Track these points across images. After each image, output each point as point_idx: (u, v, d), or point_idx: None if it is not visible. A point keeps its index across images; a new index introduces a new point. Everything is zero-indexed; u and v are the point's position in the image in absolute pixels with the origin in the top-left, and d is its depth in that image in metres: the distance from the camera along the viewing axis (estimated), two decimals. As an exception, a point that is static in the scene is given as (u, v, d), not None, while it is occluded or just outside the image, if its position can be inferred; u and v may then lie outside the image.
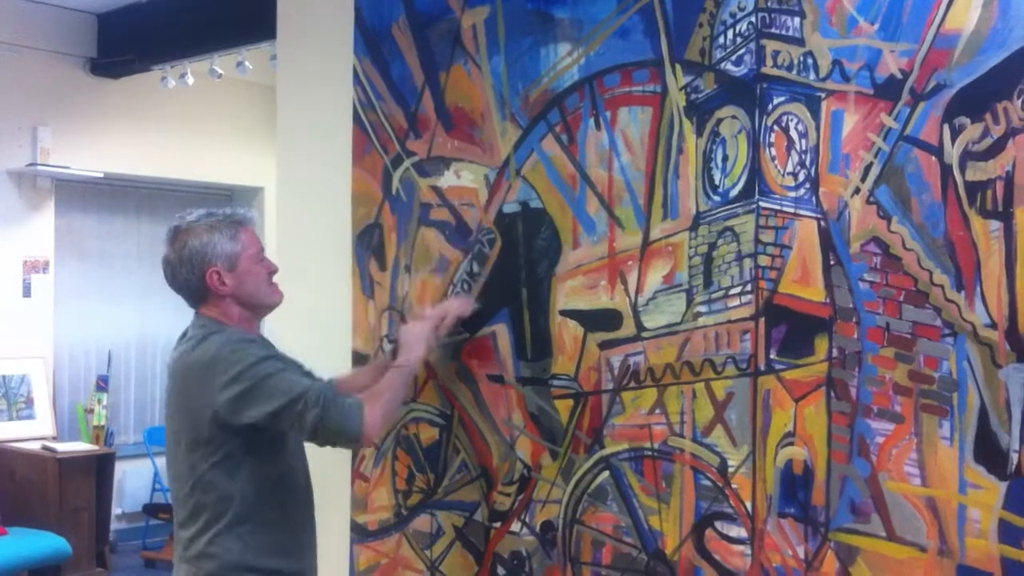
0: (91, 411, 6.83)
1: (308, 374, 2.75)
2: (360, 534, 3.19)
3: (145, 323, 7.43)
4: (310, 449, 3.31)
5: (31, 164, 6.60)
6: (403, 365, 2.72)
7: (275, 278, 2.79)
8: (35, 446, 6.36)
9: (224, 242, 2.66)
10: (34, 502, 6.16)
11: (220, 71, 6.44)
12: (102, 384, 6.91)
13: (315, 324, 3.34)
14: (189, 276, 2.66)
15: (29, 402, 6.60)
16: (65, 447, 6.35)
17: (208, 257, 2.65)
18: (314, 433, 2.55)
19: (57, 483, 6.14)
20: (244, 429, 2.56)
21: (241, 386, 2.52)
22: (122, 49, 6.70)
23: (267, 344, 2.71)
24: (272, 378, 2.54)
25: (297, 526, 2.73)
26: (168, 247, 2.71)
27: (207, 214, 2.71)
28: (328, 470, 3.28)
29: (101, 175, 6.89)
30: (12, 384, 6.56)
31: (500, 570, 2.84)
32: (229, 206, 2.74)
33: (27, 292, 6.70)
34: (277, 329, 3.46)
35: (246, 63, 6.29)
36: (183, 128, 7.31)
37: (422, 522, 3.03)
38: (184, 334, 2.76)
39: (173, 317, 7.45)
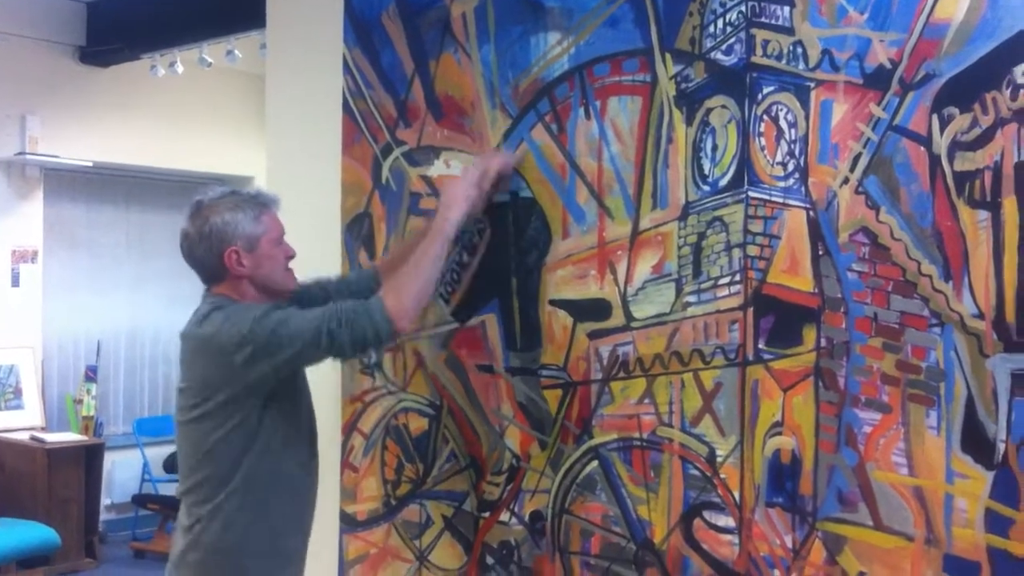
0: (80, 401, 6.82)
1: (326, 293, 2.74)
2: (349, 524, 3.19)
3: (135, 313, 7.42)
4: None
5: (20, 153, 6.57)
6: (439, 229, 2.63)
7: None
8: (24, 436, 6.35)
9: (247, 222, 2.60)
10: (23, 493, 6.15)
11: (210, 60, 6.42)
12: (91, 374, 6.90)
13: (304, 314, 3.33)
14: (207, 253, 2.60)
15: (18, 392, 6.59)
16: (54, 437, 6.34)
17: (229, 236, 2.58)
18: (355, 349, 2.52)
19: (46, 474, 6.13)
20: (259, 394, 2.53)
21: (254, 344, 2.47)
22: (111, 38, 6.67)
23: (272, 306, 2.61)
24: (283, 326, 2.49)
25: (298, 504, 2.72)
26: (188, 222, 2.64)
27: (232, 192, 2.66)
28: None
29: (90, 164, 6.87)
30: (1, 374, 6.54)
31: (489, 560, 2.84)
32: (254, 188, 2.70)
33: (16, 282, 6.68)
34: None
35: (236, 52, 6.27)
36: (172, 117, 7.29)
37: (411, 512, 3.03)
38: (196, 312, 2.68)
39: (163, 307, 7.45)
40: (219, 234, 2.59)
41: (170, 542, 2.86)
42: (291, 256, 2.72)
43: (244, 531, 2.59)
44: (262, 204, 2.65)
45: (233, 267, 2.60)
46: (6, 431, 6.42)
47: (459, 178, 2.75)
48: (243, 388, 2.53)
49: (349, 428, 3.18)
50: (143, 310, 7.42)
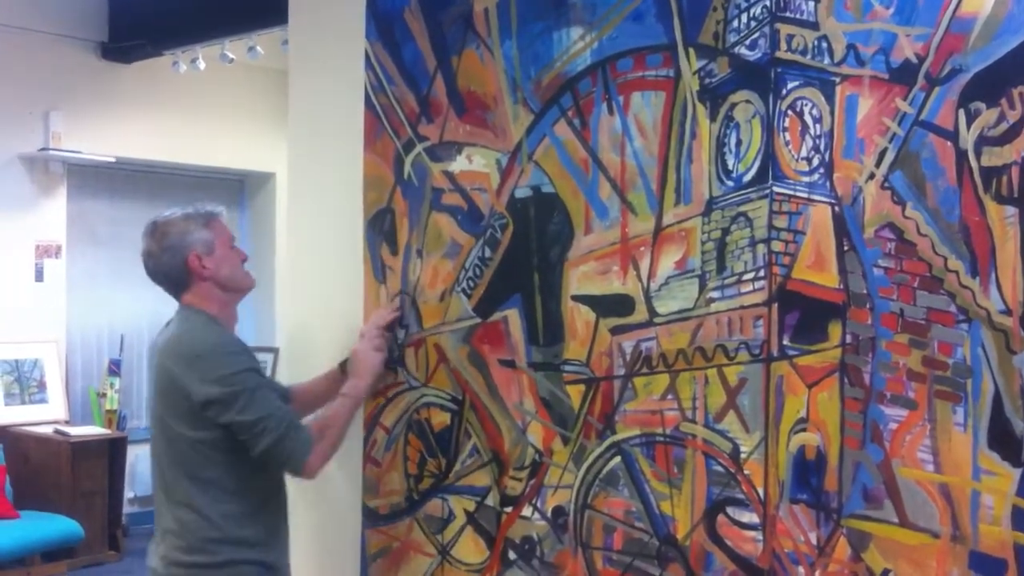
0: (104, 395, 6.85)
1: (281, 396, 2.94)
2: (371, 518, 3.19)
3: (157, 308, 7.39)
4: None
5: (43, 149, 6.61)
6: (351, 395, 2.95)
7: (251, 264, 3.05)
8: (48, 430, 6.39)
9: (200, 230, 2.88)
10: (47, 486, 6.19)
11: (232, 56, 6.44)
12: (114, 368, 6.93)
13: (327, 309, 3.35)
14: (171, 262, 2.86)
15: (42, 386, 6.63)
16: (78, 431, 6.38)
17: (188, 243, 2.85)
18: (262, 454, 2.76)
19: (70, 467, 6.16)
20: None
21: (223, 389, 2.72)
22: (134, 34, 6.70)
23: (252, 356, 2.87)
24: (253, 392, 2.75)
25: (270, 516, 2.92)
26: (148, 239, 2.90)
27: (180, 210, 2.93)
28: (340, 454, 3.29)
29: (113, 160, 6.90)
30: (25, 368, 6.58)
31: (511, 555, 2.85)
32: (199, 204, 3.02)
33: (39, 276, 6.72)
34: (290, 314, 3.48)
35: (257, 48, 6.29)
36: (195, 113, 7.32)
37: (433, 506, 3.03)
38: (168, 324, 2.95)
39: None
40: (179, 243, 2.86)
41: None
42: (245, 259, 3.02)
43: (228, 539, 2.81)
44: (208, 214, 2.93)
45: (198, 270, 2.86)
46: (30, 424, 6.46)
47: (363, 343, 3.03)
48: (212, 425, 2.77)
49: (371, 422, 3.19)
50: (165, 304, 7.40)
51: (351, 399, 2.95)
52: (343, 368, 3.10)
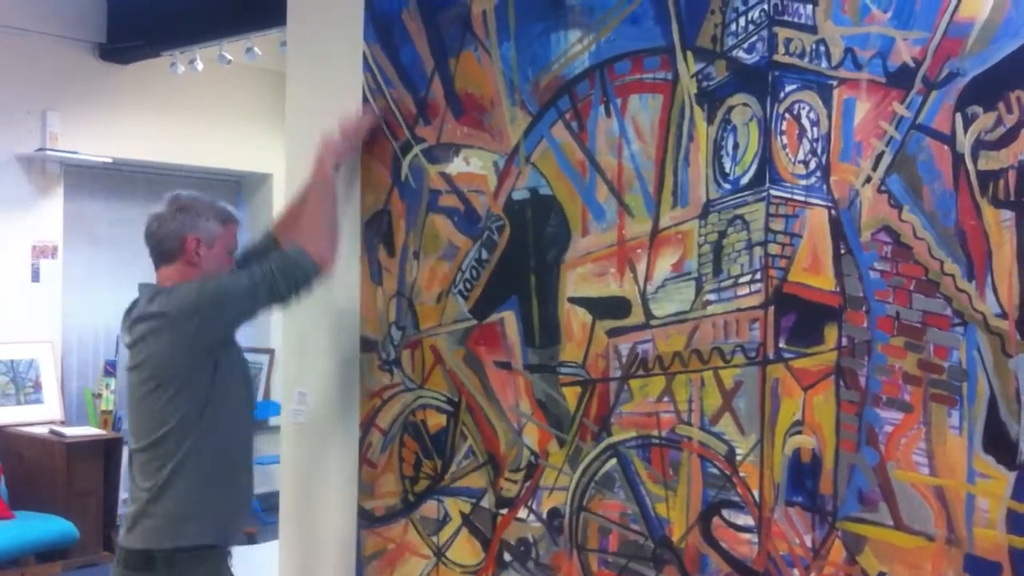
0: (99, 396, 6.84)
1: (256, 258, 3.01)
2: (367, 520, 3.19)
3: (153, 309, 7.44)
4: (315, 435, 3.33)
5: (40, 149, 6.60)
6: (322, 175, 3.02)
7: None
8: (43, 430, 6.37)
9: (213, 222, 2.91)
10: (42, 486, 6.18)
11: (229, 57, 6.43)
12: (110, 369, 6.92)
13: (324, 310, 3.34)
14: (173, 232, 2.89)
15: (37, 386, 6.62)
16: (73, 431, 6.36)
17: (196, 225, 2.89)
18: (292, 294, 2.85)
19: (65, 467, 6.15)
20: (209, 364, 2.80)
21: (203, 309, 2.77)
22: (131, 35, 6.69)
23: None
24: (225, 289, 2.81)
25: (244, 472, 2.96)
26: (164, 205, 2.93)
27: (208, 197, 2.98)
28: (335, 455, 3.29)
29: (110, 160, 6.89)
30: (20, 368, 6.57)
31: (507, 556, 2.85)
32: (226, 203, 3.06)
33: (36, 277, 6.71)
34: (286, 315, 3.47)
35: (255, 49, 6.28)
36: (192, 114, 7.31)
37: (429, 508, 3.03)
38: (134, 303, 3.00)
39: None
40: (189, 220, 2.89)
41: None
42: (232, 268, 3.00)
43: (193, 498, 2.80)
44: (228, 215, 2.97)
45: (190, 252, 2.88)
46: (25, 425, 6.44)
47: (331, 137, 3.08)
48: (196, 357, 2.80)
49: (367, 424, 3.19)
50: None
51: (319, 180, 3.03)
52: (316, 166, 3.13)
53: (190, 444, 2.79)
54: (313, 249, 2.87)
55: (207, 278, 2.85)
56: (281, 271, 2.81)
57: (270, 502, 6.60)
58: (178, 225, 2.88)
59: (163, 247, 2.92)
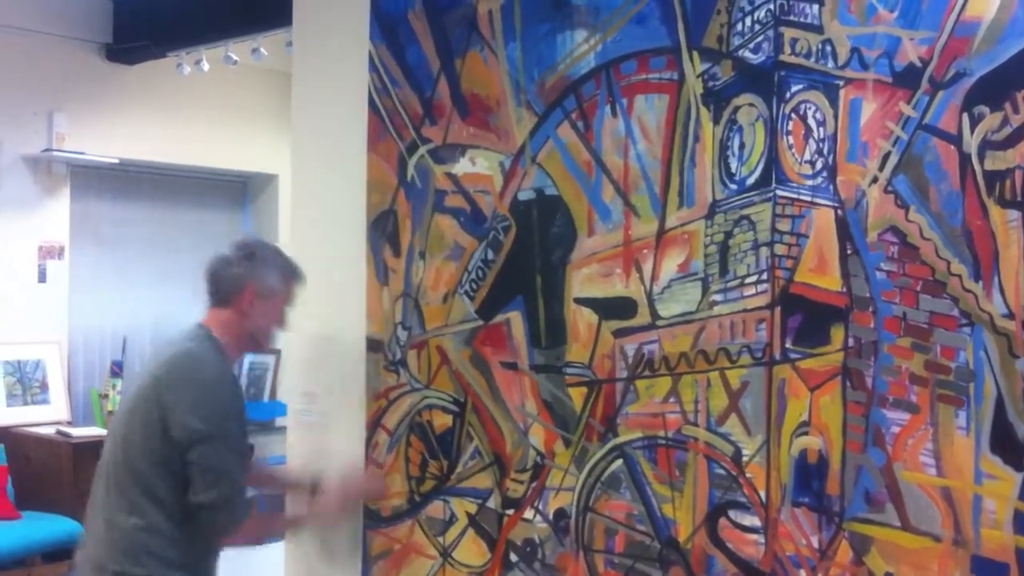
0: (106, 396, 6.84)
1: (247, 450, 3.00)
2: (373, 520, 3.19)
3: (160, 309, 7.43)
4: (321, 435, 3.32)
5: (46, 150, 6.60)
6: (303, 523, 3.12)
7: None
8: (49, 431, 6.38)
9: (276, 278, 2.86)
10: (48, 486, 6.18)
11: (235, 58, 6.44)
12: (116, 370, 6.92)
13: (330, 310, 3.34)
14: (234, 277, 2.82)
15: (44, 387, 6.62)
16: (79, 432, 6.36)
17: (259, 276, 2.83)
18: (200, 503, 2.67)
19: (71, 468, 6.15)
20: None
21: (203, 425, 2.66)
22: (137, 35, 6.69)
23: (243, 401, 2.84)
24: (225, 442, 2.69)
25: (203, 543, 2.81)
26: (239, 245, 2.88)
27: (283, 253, 2.94)
28: (341, 455, 3.29)
29: (116, 161, 6.89)
30: (27, 369, 6.58)
31: (513, 557, 2.84)
32: (296, 262, 2.98)
33: (42, 278, 6.71)
34: (292, 316, 3.47)
35: (261, 50, 6.29)
36: (198, 115, 7.31)
37: (435, 509, 3.03)
38: (171, 342, 2.89)
39: (187, 303, 7.47)
40: (253, 270, 2.83)
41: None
42: (284, 328, 2.96)
43: (156, 555, 2.70)
44: (294, 275, 2.92)
45: (244, 301, 2.81)
46: (32, 425, 6.44)
47: (335, 494, 3.05)
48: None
49: (373, 424, 3.19)
50: (167, 306, 7.43)
51: (298, 523, 3.13)
52: (312, 485, 3.11)
53: (164, 488, 2.74)
54: (242, 530, 2.75)
55: (227, 423, 2.72)
56: (228, 501, 2.69)
57: (277, 503, 6.60)
58: (241, 271, 2.82)
59: (220, 289, 2.86)
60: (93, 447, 6.26)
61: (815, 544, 2.28)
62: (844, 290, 2.22)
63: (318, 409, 3.37)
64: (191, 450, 2.65)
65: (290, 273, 2.90)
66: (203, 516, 2.68)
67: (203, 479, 2.66)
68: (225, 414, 2.72)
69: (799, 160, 2.28)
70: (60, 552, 5.98)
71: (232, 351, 2.85)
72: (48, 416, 6.56)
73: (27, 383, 6.57)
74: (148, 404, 2.72)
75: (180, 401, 2.67)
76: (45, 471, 6.23)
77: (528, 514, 2.81)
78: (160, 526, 2.69)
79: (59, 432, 6.33)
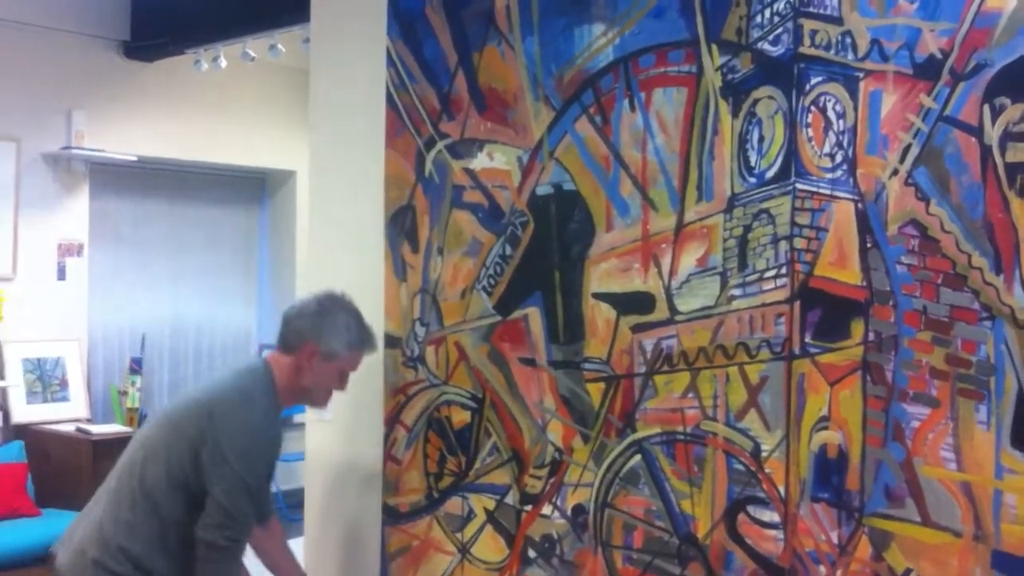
0: (125, 393, 6.86)
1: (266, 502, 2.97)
2: (391, 516, 3.19)
3: (178, 306, 7.46)
4: (340, 432, 3.33)
5: (66, 147, 6.63)
6: None
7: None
8: (69, 428, 6.40)
9: (342, 344, 2.82)
10: (68, 484, 6.20)
11: (253, 54, 6.45)
12: (136, 367, 6.95)
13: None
14: (302, 330, 2.81)
15: (64, 384, 6.65)
16: (99, 429, 6.39)
17: (324, 337, 2.80)
18: (202, 529, 2.65)
19: (91, 465, 6.17)
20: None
21: (233, 465, 2.64)
22: (156, 32, 6.72)
23: (277, 451, 2.79)
24: (248, 489, 2.67)
25: (187, 557, 2.75)
26: (316, 299, 2.87)
27: (360, 319, 2.88)
28: (360, 452, 3.30)
29: (135, 158, 6.92)
30: (47, 366, 6.61)
31: (531, 553, 2.84)
32: (370, 328, 2.93)
33: (62, 275, 6.74)
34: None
35: (279, 46, 6.30)
36: (216, 111, 7.33)
37: (453, 505, 3.03)
38: (237, 369, 2.90)
39: (205, 301, 7.50)
40: (321, 329, 2.80)
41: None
42: (340, 390, 2.92)
43: (133, 559, 2.69)
44: (363, 343, 2.88)
45: (302, 357, 2.80)
46: (52, 423, 6.47)
47: None
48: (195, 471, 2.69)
49: (392, 421, 3.19)
50: (186, 303, 7.47)
51: None
52: None
53: (172, 502, 2.75)
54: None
55: (257, 470, 2.72)
56: (227, 548, 2.68)
57: (295, 499, 6.61)
58: (311, 324, 2.81)
59: (286, 335, 2.84)
60: (113, 444, 6.28)
61: (834, 540, 2.27)
62: (864, 284, 2.21)
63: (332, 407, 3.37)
64: (217, 485, 2.64)
65: (358, 342, 2.86)
66: (201, 551, 2.67)
67: (217, 517, 2.65)
68: (261, 462, 2.73)
69: (819, 153, 2.27)
70: (80, 548, 6.00)
71: (286, 397, 2.83)
72: (68, 413, 6.58)
73: (47, 380, 6.60)
74: (188, 424, 2.70)
75: (223, 435, 2.66)
76: (65, 468, 6.25)
77: (546, 510, 2.81)
78: (141, 533, 2.69)
79: (79, 429, 6.36)
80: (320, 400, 2.92)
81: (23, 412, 6.45)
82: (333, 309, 2.84)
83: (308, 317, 2.83)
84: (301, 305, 2.87)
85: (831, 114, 2.25)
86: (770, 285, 2.36)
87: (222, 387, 2.80)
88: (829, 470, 2.28)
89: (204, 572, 2.68)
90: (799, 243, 2.30)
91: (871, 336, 2.20)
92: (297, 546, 3.51)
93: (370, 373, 3.24)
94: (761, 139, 2.37)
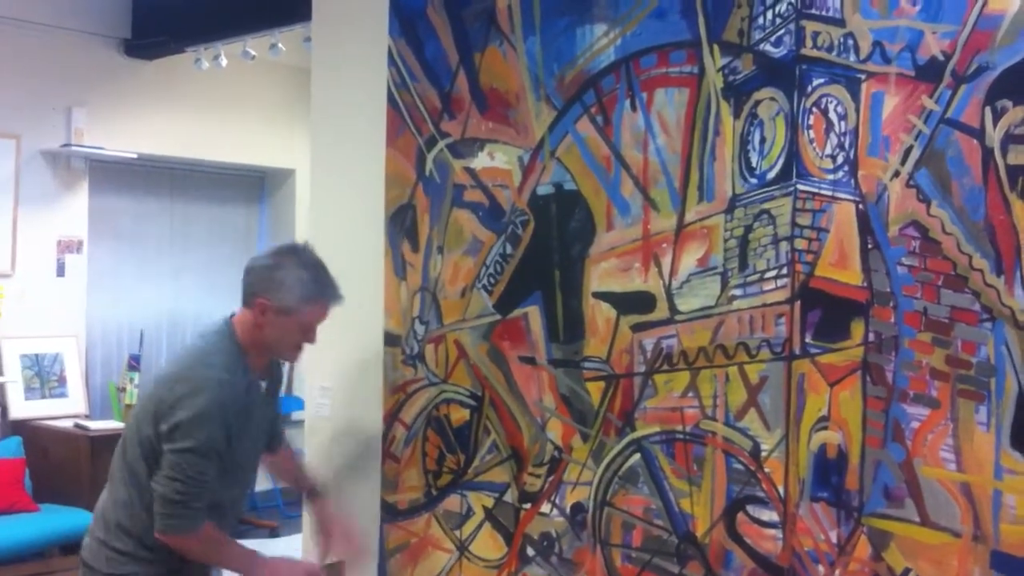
0: (123, 390, 6.86)
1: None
2: (390, 514, 3.20)
3: (177, 303, 7.46)
4: (339, 430, 3.34)
5: (65, 145, 6.63)
6: (250, 565, 2.78)
7: None
8: (67, 424, 6.40)
9: (294, 299, 2.69)
10: (66, 479, 6.20)
11: (253, 53, 6.45)
12: (134, 363, 6.94)
13: (348, 305, 3.33)
14: (254, 282, 2.71)
15: (62, 380, 6.65)
16: (97, 425, 6.39)
17: (273, 292, 2.68)
18: (156, 493, 2.63)
19: (89, 460, 6.17)
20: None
21: (176, 431, 2.61)
22: (156, 31, 6.72)
23: (236, 396, 2.69)
24: (194, 446, 2.61)
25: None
26: (271, 251, 2.78)
27: (316, 270, 2.74)
28: (359, 450, 3.30)
29: (135, 156, 6.91)
30: (45, 362, 6.61)
31: (530, 551, 2.85)
32: (332, 279, 2.79)
33: (61, 272, 6.74)
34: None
35: (279, 45, 6.30)
36: (216, 110, 7.33)
37: (452, 502, 3.04)
38: (203, 331, 2.85)
39: (203, 297, 7.50)
40: (272, 282, 2.69)
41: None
42: (309, 343, 2.80)
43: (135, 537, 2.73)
44: (319, 296, 2.73)
45: (257, 311, 2.69)
46: (50, 418, 6.47)
47: (304, 564, 2.92)
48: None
49: (391, 418, 3.19)
50: (185, 300, 7.47)
51: (249, 562, 2.80)
52: (313, 489, 3.07)
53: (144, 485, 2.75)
54: (191, 540, 2.68)
55: (199, 446, 2.62)
56: (181, 503, 2.63)
57: (293, 496, 6.61)
58: (258, 280, 2.70)
59: (244, 290, 2.74)
60: (110, 440, 6.28)
61: (833, 539, 2.28)
62: (865, 284, 2.21)
63: (331, 403, 3.38)
64: (167, 444, 2.62)
65: (313, 294, 2.71)
66: (156, 504, 2.65)
67: (167, 470, 2.62)
68: (216, 422, 2.63)
69: (820, 154, 2.28)
70: (78, 544, 6.00)
71: (255, 355, 2.75)
72: (66, 409, 6.58)
73: (45, 376, 6.60)
74: (152, 396, 2.72)
75: (175, 399, 2.63)
76: (63, 464, 6.25)
77: (545, 508, 2.81)
78: (135, 508, 2.71)
79: (77, 425, 6.36)
80: (287, 353, 2.83)
81: (21, 408, 6.45)
82: (285, 262, 2.71)
83: (258, 271, 2.73)
84: (256, 258, 2.78)
85: (833, 116, 2.26)
86: (771, 285, 2.36)
87: (182, 353, 2.82)
88: (829, 470, 2.28)
89: (161, 527, 2.65)
90: (800, 244, 2.31)
91: (871, 337, 2.21)
92: (296, 543, 3.51)
93: (369, 371, 3.25)
94: (762, 140, 2.37)
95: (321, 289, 2.73)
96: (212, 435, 2.64)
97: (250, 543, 3.05)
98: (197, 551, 2.73)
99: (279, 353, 2.82)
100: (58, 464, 6.26)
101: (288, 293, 2.68)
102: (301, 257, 2.74)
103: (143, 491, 2.69)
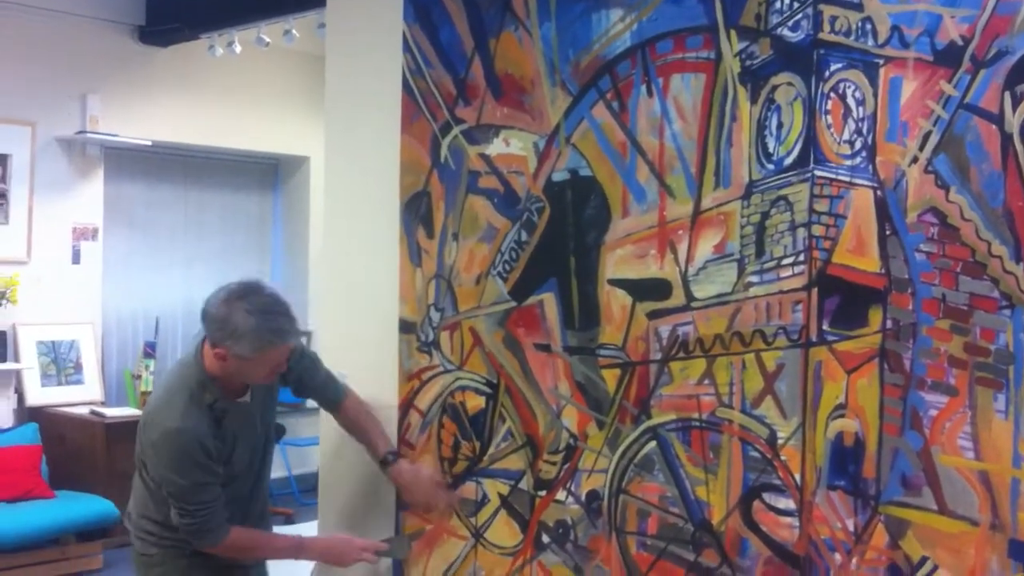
0: (139, 377, 6.90)
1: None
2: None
3: (191, 290, 7.49)
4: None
5: (80, 132, 6.65)
6: (303, 551, 3.04)
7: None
8: (83, 411, 6.44)
9: (248, 349, 2.75)
10: (82, 466, 6.24)
11: (267, 40, 6.46)
12: (149, 351, 6.98)
13: (363, 292, 3.35)
14: (211, 331, 2.79)
15: (78, 367, 6.69)
16: (113, 412, 6.43)
17: (229, 343, 2.75)
18: (177, 527, 2.86)
19: (105, 447, 6.21)
20: None
21: (156, 472, 2.85)
22: (170, 17, 6.73)
23: (200, 433, 2.80)
24: (176, 488, 2.80)
25: None
26: (229, 295, 2.79)
27: (268, 312, 2.77)
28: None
29: (149, 143, 6.94)
30: (61, 350, 6.64)
31: (545, 538, 2.84)
32: (287, 312, 2.84)
33: (76, 259, 6.78)
34: (324, 296, 3.49)
35: (293, 32, 6.30)
36: (230, 97, 7.35)
37: (467, 490, 3.04)
38: (185, 353, 2.97)
39: (218, 285, 7.54)
40: (226, 334, 2.75)
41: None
42: (276, 373, 2.91)
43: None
44: (272, 342, 2.77)
45: (219, 354, 2.78)
46: (66, 405, 6.51)
47: (354, 543, 3.08)
48: None
49: (406, 406, 3.19)
50: (200, 287, 7.46)
51: (299, 550, 3.05)
52: (388, 456, 3.10)
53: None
54: (231, 546, 2.89)
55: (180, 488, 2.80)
56: (195, 533, 2.85)
57: (308, 483, 6.63)
58: (214, 331, 2.77)
59: (205, 332, 2.84)
60: (126, 427, 6.32)
61: (850, 528, 2.27)
62: (883, 271, 2.20)
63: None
64: (158, 487, 2.86)
65: (268, 342, 2.75)
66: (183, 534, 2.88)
67: (175, 505, 2.84)
68: (188, 461, 2.77)
69: (838, 140, 2.26)
70: (94, 531, 6.05)
71: (224, 382, 2.86)
72: (82, 396, 6.62)
73: (61, 364, 6.63)
74: (141, 420, 2.97)
75: (149, 445, 2.85)
76: (79, 451, 6.29)
77: (560, 496, 2.81)
78: (149, 503, 2.97)
79: (93, 412, 6.40)
80: (260, 381, 2.90)
81: (37, 395, 6.49)
82: (235, 310, 2.74)
83: (212, 319, 2.78)
84: (210, 301, 2.81)
85: (850, 101, 2.24)
86: (787, 272, 2.35)
87: (155, 389, 3.01)
88: (845, 458, 2.27)
89: (191, 543, 2.89)
90: (817, 230, 2.30)
91: (889, 324, 2.19)
92: (311, 530, 3.52)
93: (385, 358, 3.25)
94: (780, 126, 2.36)
95: (274, 336, 2.77)
96: (191, 475, 2.80)
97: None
98: (233, 554, 2.94)
99: (251, 382, 2.91)
100: (74, 451, 6.30)
101: (243, 343, 2.74)
102: (252, 302, 2.77)
103: (152, 491, 2.93)
